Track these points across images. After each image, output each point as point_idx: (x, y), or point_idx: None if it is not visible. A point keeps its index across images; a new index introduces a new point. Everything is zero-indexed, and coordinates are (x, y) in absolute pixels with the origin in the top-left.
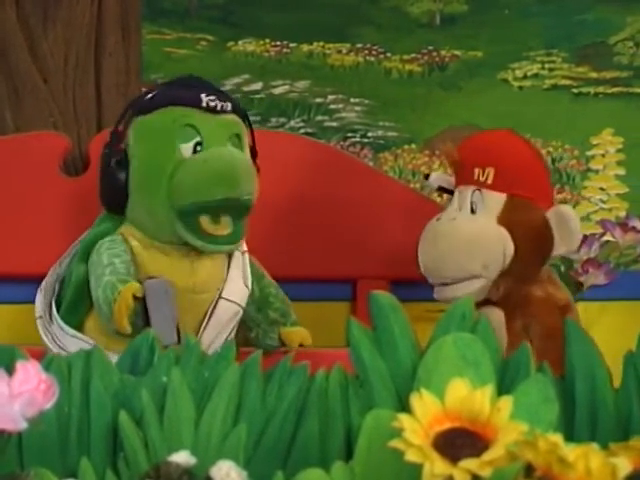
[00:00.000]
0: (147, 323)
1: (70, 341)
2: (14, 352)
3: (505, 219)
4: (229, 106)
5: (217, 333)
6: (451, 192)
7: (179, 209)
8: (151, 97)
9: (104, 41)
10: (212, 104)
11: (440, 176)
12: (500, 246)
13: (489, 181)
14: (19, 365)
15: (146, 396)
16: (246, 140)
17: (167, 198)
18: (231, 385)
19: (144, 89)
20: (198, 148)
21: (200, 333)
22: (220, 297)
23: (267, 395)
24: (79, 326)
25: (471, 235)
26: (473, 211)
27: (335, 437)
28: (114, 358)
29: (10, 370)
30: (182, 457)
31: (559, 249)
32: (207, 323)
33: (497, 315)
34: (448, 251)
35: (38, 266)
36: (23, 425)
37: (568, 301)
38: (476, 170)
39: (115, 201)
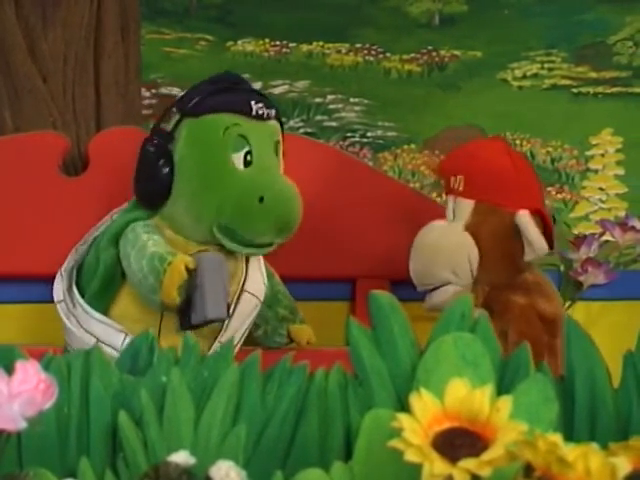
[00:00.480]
0: (189, 298)
1: (96, 325)
2: (13, 352)
3: (472, 225)
4: (273, 113)
5: (240, 326)
6: None
7: (224, 226)
8: (200, 99)
9: (103, 41)
10: (260, 112)
11: None
12: (464, 252)
13: (460, 188)
14: (18, 365)
15: (145, 396)
16: (283, 145)
17: (217, 212)
18: (230, 385)
19: (143, 89)
20: (248, 157)
21: (227, 324)
22: (242, 290)
23: (266, 395)
24: (105, 311)
25: (436, 242)
26: (454, 219)
27: (334, 437)
28: None
29: (9, 370)
30: (181, 457)
31: (527, 255)
32: (232, 315)
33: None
34: (421, 259)
35: (37, 266)
36: (22, 425)
37: (556, 316)
38: (451, 179)
39: (154, 198)
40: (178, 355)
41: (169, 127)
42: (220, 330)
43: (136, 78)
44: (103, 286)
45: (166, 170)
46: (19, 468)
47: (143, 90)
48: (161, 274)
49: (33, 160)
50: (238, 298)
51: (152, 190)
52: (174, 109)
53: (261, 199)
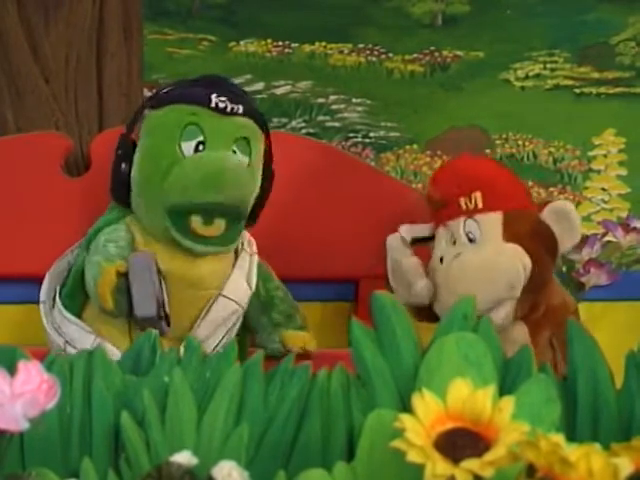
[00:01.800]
0: (131, 300)
1: (69, 327)
2: (16, 352)
3: (510, 235)
4: (240, 109)
5: (213, 330)
6: (427, 239)
7: (169, 207)
8: (164, 93)
9: (106, 41)
10: (221, 105)
11: (409, 228)
12: (519, 262)
13: (479, 205)
14: (21, 365)
15: (148, 396)
16: (258, 144)
17: (160, 194)
18: (233, 385)
19: (145, 89)
20: (200, 147)
21: (195, 328)
22: (220, 294)
23: (269, 395)
24: (78, 313)
25: (487, 263)
26: (471, 240)
27: (337, 437)
28: (111, 348)
29: (12, 370)
30: (184, 457)
31: (564, 245)
32: (203, 319)
33: (522, 330)
34: (470, 288)
35: (39, 266)
36: (25, 425)
37: (576, 305)
38: (462, 200)
39: (120, 193)
40: (180, 355)
41: (133, 121)
42: (189, 332)
43: (138, 78)
44: (73, 288)
45: (125, 163)
46: (22, 468)
47: (145, 90)
48: (97, 281)
49: (35, 160)
50: (213, 303)
51: (117, 184)
52: (144, 106)
53: (198, 160)
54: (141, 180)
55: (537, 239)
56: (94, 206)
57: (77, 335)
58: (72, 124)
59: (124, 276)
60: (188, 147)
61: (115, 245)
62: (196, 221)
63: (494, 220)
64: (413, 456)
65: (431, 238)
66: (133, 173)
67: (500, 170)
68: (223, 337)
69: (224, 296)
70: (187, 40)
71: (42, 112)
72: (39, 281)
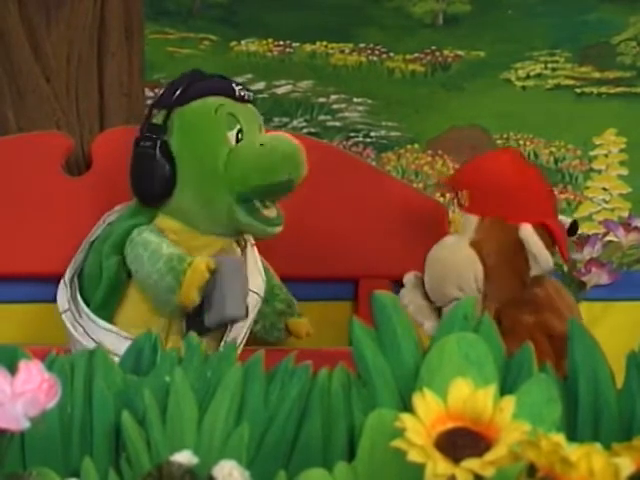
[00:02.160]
0: (204, 301)
1: (103, 334)
2: (17, 352)
3: (476, 241)
4: (252, 96)
5: (243, 324)
6: None
7: (239, 195)
8: (184, 89)
9: (107, 41)
10: (242, 93)
11: None
12: (470, 268)
13: (466, 204)
14: (22, 365)
15: (149, 396)
16: None
17: (225, 186)
18: (234, 385)
19: (147, 89)
20: (239, 136)
21: (230, 325)
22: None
23: (269, 395)
24: (109, 319)
25: (443, 258)
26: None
27: (337, 437)
28: None
29: (13, 370)
30: (184, 457)
31: (534, 269)
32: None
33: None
34: (433, 276)
35: (40, 265)
36: (25, 425)
37: (562, 332)
38: (458, 194)
39: (157, 193)
40: (181, 355)
41: (159, 122)
42: (226, 330)
43: (139, 78)
44: (108, 294)
45: (166, 163)
46: (22, 468)
47: (146, 90)
48: (180, 274)
49: (36, 160)
50: None
51: (156, 186)
52: (159, 106)
53: (261, 144)
54: (197, 176)
55: (499, 252)
56: (95, 205)
57: (113, 342)
58: (73, 123)
59: (212, 273)
60: (232, 136)
61: (166, 244)
62: (259, 205)
63: (471, 222)
64: (414, 456)
65: None
66: (179, 172)
67: (504, 177)
68: (248, 328)
69: (249, 289)
70: (188, 40)
71: (43, 111)
72: (40, 280)
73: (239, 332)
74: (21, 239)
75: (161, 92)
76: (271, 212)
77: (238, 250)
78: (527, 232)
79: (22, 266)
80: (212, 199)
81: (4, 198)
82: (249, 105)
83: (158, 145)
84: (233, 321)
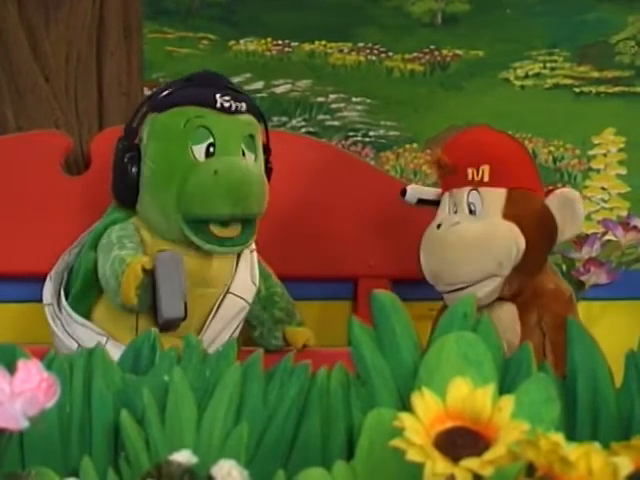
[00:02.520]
0: (154, 298)
1: (79, 329)
2: (16, 351)
3: (510, 213)
4: (244, 106)
5: (222, 328)
6: (433, 203)
7: (189, 217)
8: (166, 94)
9: (106, 40)
10: (226, 105)
11: (416, 189)
12: (512, 241)
13: (485, 179)
14: (21, 364)
15: (147, 395)
16: (260, 140)
17: (177, 202)
18: (233, 384)
19: (145, 88)
20: (211, 149)
21: (206, 326)
22: (228, 292)
23: (268, 394)
24: (87, 315)
25: (482, 235)
26: (472, 212)
27: (336, 436)
28: (120, 348)
29: (12, 369)
30: (183, 456)
31: (564, 234)
32: (213, 317)
33: (510, 311)
34: (461, 256)
35: (39, 265)
36: (24, 424)
37: (571, 292)
38: (469, 170)
39: (126, 196)
40: (180, 354)
41: (136, 123)
42: (200, 332)
43: (138, 77)
44: (83, 289)
45: (132, 167)
46: (21, 467)
47: (145, 89)
48: (120, 276)
49: (35, 159)
50: (222, 300)
51: (122, 187)
52: (143, 106)
53: (215, 172)
54: (154, 185)
55: (536, 222)
56: (94, 205)
57: (88, 337)
58: (72, 123)
59: (149, 273)
60: (199, 150)
61: (130, 241)
62: (214, 226)
63: (497, 196)
64: (413, 455)
65: (437, 202)
66: (142, 178)
67: (515, 148)
68: (231, 334)
69: (232, 293)
70: (187, 39)
71: (42, 111)
72: (39, 280)
73: (218, 334)
74: (20, 238)
75: (151, 92)
76: (229, 232)
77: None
78: (573, 195)
79: (20, 265)
80: (166, 212)
81: (3, 197)
82: (238, 116)
83: (128, 148)
84: (176, 321)
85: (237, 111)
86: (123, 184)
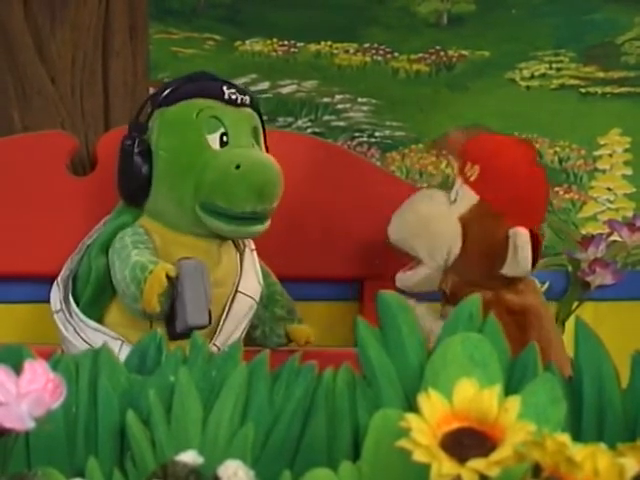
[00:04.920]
0: (173, 306)
1: (93, 334)
2: (22, 351)
3: (467, 219)
4: (247, 99)
5: (234, 328)
6: None
7: (205, 205)
8: (173, 89)
9: (111, 41)
10: (233, 96)
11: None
12: (447, 239)
13: (472, 178)
14: (27, 364)
15: (153, 396)
16: (262, 134)
17: (194, 190)
18: (238, 384)
19: (151, 89)
20: (224, 139)
21: (220, 326)
22: (237, 291)
23: (274, 395)
24: (99, 319)
25: (427, 217)
26: (454, 201)
27: (342, 437)
28: None
29: (18, 369)
30: (189, 456)
31: (508, 270)
32: (226, 316)
33: (431, 309)
34: (408, 226)
35: (45, 265)
36: (30, 424)
37: (524, 307)
38: (468, 164)
39: (137, 192)
40: (186, 355)
41: (142, 119)
42: (214, 333)
43: (144, 78)
44: (96, 294)
45: (143, 162)
46: (27, 468)
47: (151, 90)
48: (142, 283)
49: (41, 160)
50: (232, 299)
51: (134, 184)
52: (147, 104)
53: (237, 167)
54: (170, 175)
55: (482, 242)
56: (100, 206)
57: (102, 342)
58: (78, 123)
59: (172, 280)
60: (213, 139)
61: (145, 246)
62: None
63: (469, 198)
64: (419, 456)
65: None
66: (155, 172)
67: (519, 170)
68: (242, 332)
69: (241, 292)
70: (192, 39)
71: (48, 112)
72: (45, 281)
73: (230, 334)
74: (26, 239)
75: (154, 91)
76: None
77: (232, 252)
78: (524, 239)
79: (26, 266)
80: (181, 200)
81: (9, 198)
82: (243, 109)
83: (136, 143)
84: (197, 328)
85: (242, 104)
86: (133, 180)
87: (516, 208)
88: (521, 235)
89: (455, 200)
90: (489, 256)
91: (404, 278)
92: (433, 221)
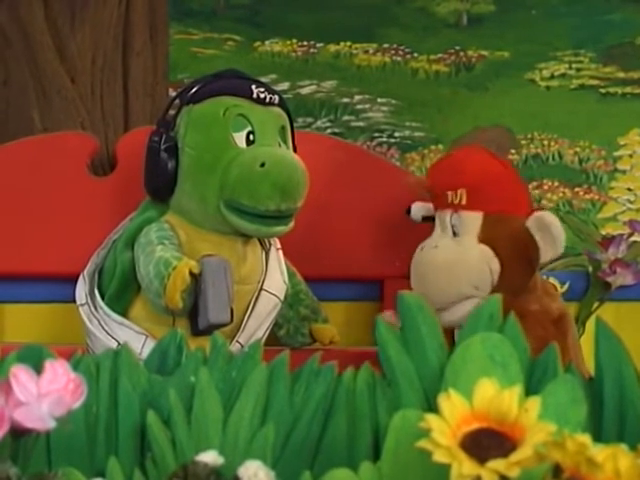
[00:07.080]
0: (196, 302)
1: (118, 328)
2: (42, 351)
3: (485, 237)
4: (276, 99)
5: (258, 326)
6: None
7: (229, 203)
8: (201, 86)
9: (131, 41)
10: (262, 95)
11: (420, 206)
12: (484, 264)
13: (463, 202)
14: (47, 364)
15: (174, 396)
16: (290, 133)
17: (219, 187)
18: (258, 385)
19: (171, 89)
20: (251, 137)
21: (244, 323)
22: (262, 289)
23: (294, 395)
24: (123, 314)
25: (451, 260)
26: (455, 234)
27: (362, 437)
28: None
29: (38, 369)
30: (210, 457)
31: (546, 255)
32: (250, 314)
33: None
34: (433, 279)
35: (65, 265)
36: (51, 424)
37: (562, 311)
38: (449, 193)
39: (163, 188)
40: (206, 355)
41: (170, 117)
42: (237, 330)
43: (164, 78)
44: (121, 289)
45: (170, 158)
46: (48, 468)
47: (171, 90)
48: (165, 278)
49: (61, 160)
50: (257, 297)
51: (160, 180)
52: (176, 100)
53: (262, 164)
54: (196, 172)
55: (511, 244)
56: (120, 205)
57: (127, 336)
58: (98, 124)
59: (195, 277)
60: (240, 137)
61: (170, 242)
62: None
63: (473, 219)
64: (439, 456)
65: None
66: (182, 168)
67: (494, 171)
68: (266, 331)
69: (266, 290)
70: (212, 40)
71: (68, 112)
72: (66, 280)
73: (254, 332)
74: (46, 239)
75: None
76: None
77: (258, 250)
78: (548, 218)
79: (47, 266)
80: (205, 196)
81: (29, 199)
82: (271, 108)
83: (163, 139)
84: (219, 326)
85: (271, 103)
86: (159, 176)
87: (515, 202)
88: (543, 216)
89: (456, 233)
90: (524, 254)
91: (452, 314)
92: (459, 259)
